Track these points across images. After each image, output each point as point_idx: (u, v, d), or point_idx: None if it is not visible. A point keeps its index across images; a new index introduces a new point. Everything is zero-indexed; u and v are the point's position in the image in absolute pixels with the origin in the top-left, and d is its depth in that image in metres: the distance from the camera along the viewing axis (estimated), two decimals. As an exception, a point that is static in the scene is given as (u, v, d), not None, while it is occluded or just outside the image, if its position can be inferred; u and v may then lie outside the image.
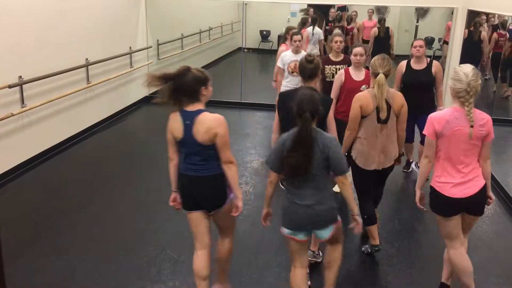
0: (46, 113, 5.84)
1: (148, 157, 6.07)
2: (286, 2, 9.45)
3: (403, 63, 5.28)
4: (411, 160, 5.78)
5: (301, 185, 2.81)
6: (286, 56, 5.61)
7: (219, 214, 3.04)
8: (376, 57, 3.68)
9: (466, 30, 7.81)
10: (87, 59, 6.53)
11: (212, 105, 9.12)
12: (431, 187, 3.13)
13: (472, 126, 2.92)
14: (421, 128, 4.38)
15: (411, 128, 5.23)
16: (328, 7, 11.58)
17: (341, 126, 4.05)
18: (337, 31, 5.74)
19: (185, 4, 9.43)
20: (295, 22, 13.68)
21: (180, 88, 2.84)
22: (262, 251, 4.00)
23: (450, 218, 3.10)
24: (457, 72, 2.96)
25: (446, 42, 8.91)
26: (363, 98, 3.62)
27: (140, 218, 4.50)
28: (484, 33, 8.10)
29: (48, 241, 4.07)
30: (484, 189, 3.08)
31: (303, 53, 5.33)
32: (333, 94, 4.63)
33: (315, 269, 3.69)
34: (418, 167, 5.13)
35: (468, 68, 2.96)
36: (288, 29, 6.14)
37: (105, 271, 3.68)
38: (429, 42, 11.72)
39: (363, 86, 4.34)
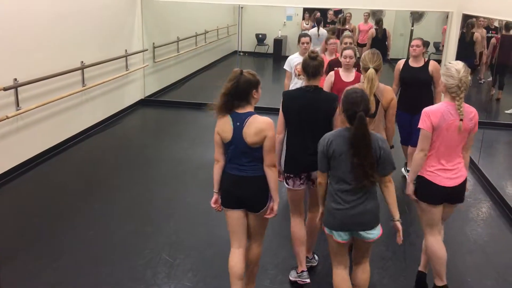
0: (41, 115, 5.82)
1: (143, 160, 6.06)
2: (282, 5, 9.48)
3: (402, 61, 5.36)
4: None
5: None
6: (293, 59, 5.52)
7: (256, 215, 3.07)
8: (366, 52, 3.74)
9: (459, 31, 7.87)
10: (82, 61, 6.52)
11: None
12: (421, 177, 3.21)
13: (461, 120, 3.05)
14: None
15: (408, 129, 5.27)
16: (325, 10, 11.63)
17: None
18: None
19: (181, 7, 9.44)
20: (290, 25, 13.81)
21: (234, 92, 2.88)
22: (257, 254, 3.99)
23: (436, 206, 3.24)
24: (449, 69, 3.08)
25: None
26: None
27: (136, 221, 4.49)
28: (477, 34, 8.15)
29: (43, 244, 4.05)
30: (466, 179, 3.24)
31: None
32: None
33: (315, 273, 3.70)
34: (408, 170, 5.16)
35: (459, 65, 3.08)
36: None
37: (100, 274, 3.66)
38: (424, 46, 11.79)
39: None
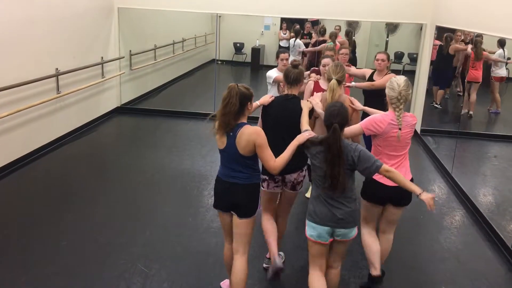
0: (14, 123, 5.70)
1: (119, 169, 5.99)
2: (260, 15, 9.53)
3: (369, 71, 5.40)
4: None
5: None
6: (273, 75, 5.30)
7: (240, 221, 3.20)
8: (330, 65, 3.94)
9: (438, 44, 8.05)
10: (57, 68, 6.42)
11: (185, 116, 9.12)
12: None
13: (400, 129, 3.38)
14: None
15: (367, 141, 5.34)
16: (303, 20, 11.74)
17: None
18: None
19: (158, 15, 9.39)
20: (268, 35, 13.88)
21: (232, 109, 3.03)
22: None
23: (375, 205, 3.57)
24: (392, 83, 3.44)
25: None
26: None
27: (110, 231, 4.41)
28: (453, 47, 8.34)
29: (14, 255, 3.95)
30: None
31: None
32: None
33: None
34: None
35: (401, 79, 3.45)
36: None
37: (73, 286, 3.58)
38: (398, 56, 12.00)
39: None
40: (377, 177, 3.26)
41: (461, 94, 9.07)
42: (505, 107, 8.97)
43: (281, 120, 3.46)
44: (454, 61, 8.62)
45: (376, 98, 5.12)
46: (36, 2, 6.02)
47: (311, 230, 3.09)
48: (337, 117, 2.94)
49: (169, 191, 5.38)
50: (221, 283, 3.64)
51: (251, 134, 3.01)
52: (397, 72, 5.57)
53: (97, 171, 5.91)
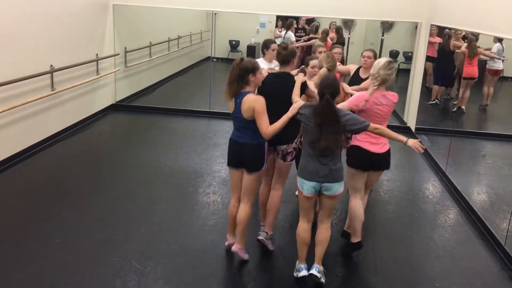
0: (8, 120, 5.67)
1: (114, 166, 5.97)
2: (255, 13, 9.52)
3: (355, 66, 5.37)
4: None
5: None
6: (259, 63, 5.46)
7: (248, 177, 3.75)
8: (323, 54, 4.41)
9: (440, 42, 8.07)
10: (52, 65, 6.40)
11: (181, 114, 9.10)
12: (353, 146, 3.84)
13: (366, 101, 3.76)
14: None
15: None
16: (299, 18, 11.74)
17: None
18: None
19: (154, 12, 9.37)
20: (264, 32, 13.88)
21: (235, 77, 3.61)
22: (230, 261, 3.98)
23: (362, 173, 3.96)
24: (376, 62, 3.85)
25: (427, 58, 9.00)
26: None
27: (105, 228, 4.41)
28: (453, 43, 8.35)
29: (9, 253, 3.93)
30: (389, 151, 3.94)
31: (275, 62, 5.33)
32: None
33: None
34: None
35: (383, 60, 3.83)
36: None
37: (67, 284, 3.57)
38: (393, 55, 12.02)
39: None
40: (362, 144, 3.83)
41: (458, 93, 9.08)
42: (500, 105, 9.03)
43: (273, 94, 3.72)
44: (455, 59, 8.61)
45: None
46: (31, -2, 5.99)
47: (302, 184, 3.52)
48: (330, 88, 3.39)
49: (165, 189, 5.37)
50: (232, 247, 3.91)
51: (252, 101, 3.51)
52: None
53: (92, 169, 5.89)
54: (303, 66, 5.45)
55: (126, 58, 8.83)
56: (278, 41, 13.08)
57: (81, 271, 3.73)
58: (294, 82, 3.80)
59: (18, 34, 5.75)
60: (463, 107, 8.25)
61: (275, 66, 4.80)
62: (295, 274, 3.72)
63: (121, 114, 8.46)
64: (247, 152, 3.68)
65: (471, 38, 7.79)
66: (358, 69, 5.29)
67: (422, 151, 3.55)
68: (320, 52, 5.23)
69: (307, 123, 3.45)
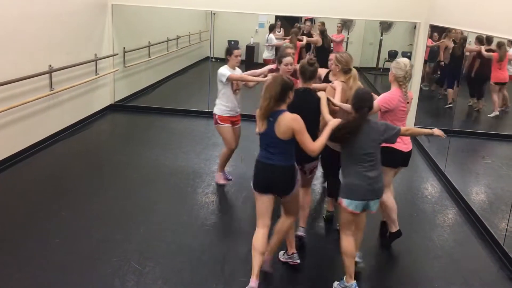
0: (7, 120, 5.66)
1: (113, 166, 5.97)
2: (254, 13, 9.52)
3: (325, 70, 5.34)
4: None
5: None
6: (224, 71, 5.15)
7: (288, 198, 3.55)
8: (344, 54, 4.28)
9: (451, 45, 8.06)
10: (50, 65, 6.39)
11: (180, 114, 9.08)
12: (389, 148, 3.80)
13: (408, 103, 4.01)
14: None
15: None
16: (297, 18, 11.72)
17: None
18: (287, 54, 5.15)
19: (153, 12, 9.36)
20: (263, 32, 13.86)
21: (276, 95, 3.36)
22: (228, 261, 3.97)
23: (393, 169, 4.21)
24: (399, 63, 4.00)
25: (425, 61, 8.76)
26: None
27: (104, 228, 4.40)
28: (469, 47, 8.32)
29: (8, 252, 3.93)
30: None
31: (238, 70, 5.28)
32: None
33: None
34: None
35: (406, 60, 4.05)
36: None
37: (66, 284, 3.57)
38: (392, 55, 12.04)
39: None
40: (395, 146, 3.86)
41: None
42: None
43: (300, 111, 3.54)
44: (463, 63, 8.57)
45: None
46: (30, -2, 5.99)
47: (350, 204, 3.45)
48: (368, 101, 3.44)
49: (164, 189, 5.37)
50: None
51: (290, 121, 3.31)
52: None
53: (91, 168, 5.89)
54: (272, 66, 5.39)
55: (125, 58, 8.82)
56: (276, 41, 13.08)
57: (80, 271, 3.72)
58: (318, 98, 3.81)
59: (16, 34, 5.74)
60: (497, 111, 8.21)
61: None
62: None
63: (120, 114, 8.45)
64: (279, 175, 3.44)
65: (501, 42, 7.73)
66: (327, 74, 5.25)
67: (445, 136, 3.83)
68: (289, 54, 5.19)
69: (347, 139, 3.42)
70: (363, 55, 12.27)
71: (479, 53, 7.88)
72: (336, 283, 3.65)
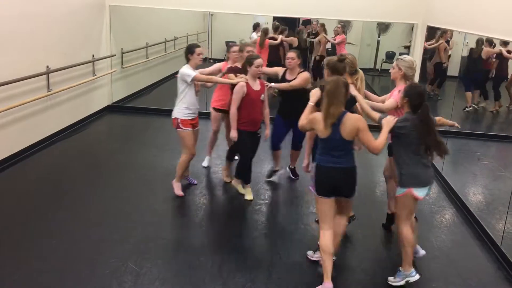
0: (5, 121, 5.65)
1: (111, 167, 5.96)
2: (252, 14, 9.53)
3: (282, 69, 5.40)
4: (292, 167, 5.86)
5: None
6: (188, 71, 5.14)
7: (349, 200, 3.68)
8: (350, 56, 4.28)
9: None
10: (48, 66, 6.38)
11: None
12: None
13: None
14: (296, 133, 5.30)
15: (284, 136, 5.53)
16: (295, 19, 11.70)
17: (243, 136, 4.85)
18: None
19: (150, 13, 9.35)
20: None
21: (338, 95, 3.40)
22: (226, 262, 3.97)
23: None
24: (407, 61, 4.18)
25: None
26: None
27: (102, 229, 4.40)
28: (487, 50, 8.31)
29: (6, 253, 3.92)
30: None
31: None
32: (236, 106, 4.82)
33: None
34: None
35: (410, 57, 4.30)
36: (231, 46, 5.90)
37: (64, 284, 3.56)
38: (390, 56, 12.05)
39: (262, 96, 4.93)
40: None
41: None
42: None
43: None
44: (484, 65, 8.55)
45: (294, 97, 5.14)
46: (27, -1, 5.98)
47: (419, 191, 3.58)
48: (424, 95, 3.57)
49: (161, 190, 5.35)
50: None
51: (356, 120, 3.39)
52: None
53: (88, 169, 5.87)
54: (231, 66, 5.38)
55: (123, 59, 8.81)
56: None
57: (78, 272, 3.71)
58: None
59: (14, 34, 5.73)
60: None
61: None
62: (404, 281, 3.73)
63: (117, 115, 8.44)
64: (347, 177, 3.50)
65: None
66: (285, 72, 5.31)
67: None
68: (248, 52, 5.20)
69: (409, 134, 3.52)
70: (361, 57, 12.26)
71: (499, 54, 7.88)
72: (391, 278, 3.79)
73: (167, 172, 5.84)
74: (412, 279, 3.71)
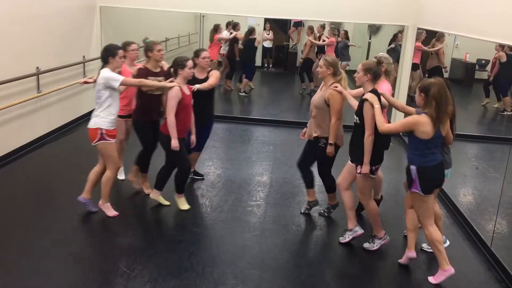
0: (-7, 122, 5.61)
1: (101, 169, 5.91)
2: (243, 15, 9.53)
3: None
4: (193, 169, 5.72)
5: None
6: (112, 74, 4.75)
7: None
8: (334, 57, 4.67)
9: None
10: (38, 67, 6.33)
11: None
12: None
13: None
14: (204, 134, 5.36)
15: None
16: (286, 21, 11.75)
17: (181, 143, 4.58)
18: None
19: (141, 13, 9.32)
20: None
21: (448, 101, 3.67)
22: (217, 263, 3.96)
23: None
24: (388, 58, 4.54)
25: (415, 66, 8.76)
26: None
27: (92, 231, 4.38)
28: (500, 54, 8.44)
29: (-8, 257, 3.88)
30: None
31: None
32: (173, 113, 4.52)
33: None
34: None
35: (384, 53, 4.68)
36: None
37: (55, 286, 3.53)
38: (381, 58, 12.10)
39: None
40: None
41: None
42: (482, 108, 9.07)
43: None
44: None
45: (205, 97, 5.11)
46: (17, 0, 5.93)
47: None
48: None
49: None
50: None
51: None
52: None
53: (79, 171, 5.81)
54: (141, 68, 5.28)
55: (114, 60, 8.75)
56: (266, 44, 13.13)
57: (67, 275, 3.69)
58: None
59: (3, 35, 5.69)
60: None
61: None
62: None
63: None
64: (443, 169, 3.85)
65: None
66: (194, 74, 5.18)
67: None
68: (159, 51, 5.26)
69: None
70: (351, 58, 12.32)
71: None
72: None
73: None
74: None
